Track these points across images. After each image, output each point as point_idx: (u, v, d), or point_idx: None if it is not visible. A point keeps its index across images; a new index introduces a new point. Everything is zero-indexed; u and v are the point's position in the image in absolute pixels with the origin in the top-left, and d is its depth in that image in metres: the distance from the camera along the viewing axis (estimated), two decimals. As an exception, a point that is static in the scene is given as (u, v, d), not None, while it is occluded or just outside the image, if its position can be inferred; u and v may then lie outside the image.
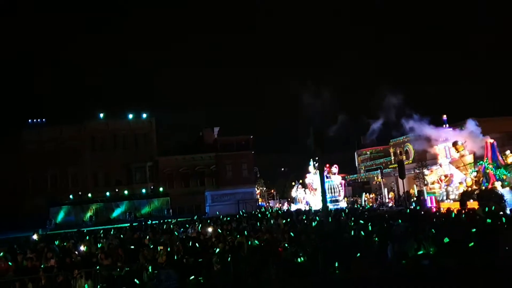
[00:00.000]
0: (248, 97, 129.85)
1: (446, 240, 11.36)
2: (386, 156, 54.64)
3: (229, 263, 11.60)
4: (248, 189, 49.73)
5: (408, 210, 20.93)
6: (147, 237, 17.16)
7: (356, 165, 62.21)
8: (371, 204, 39.50)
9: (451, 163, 27.10)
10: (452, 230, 12.99)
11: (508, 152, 23.81)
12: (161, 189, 47.86)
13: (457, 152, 26.44)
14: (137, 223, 28.49)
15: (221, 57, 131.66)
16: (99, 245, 15.88)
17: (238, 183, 50.86)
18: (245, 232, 15.79)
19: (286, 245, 12.71)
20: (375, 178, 51.25)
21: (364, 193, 43.42)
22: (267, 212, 32.35)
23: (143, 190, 47.47)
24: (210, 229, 17.97)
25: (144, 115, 54.02)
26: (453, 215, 16.49)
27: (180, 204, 47.21)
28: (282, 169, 77.40)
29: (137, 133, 53.16)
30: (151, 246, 13.78)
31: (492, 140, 23.99)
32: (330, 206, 35.72)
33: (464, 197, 23.10)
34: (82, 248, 15.17)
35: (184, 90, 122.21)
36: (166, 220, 30.10)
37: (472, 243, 11.32)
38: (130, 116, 53.55)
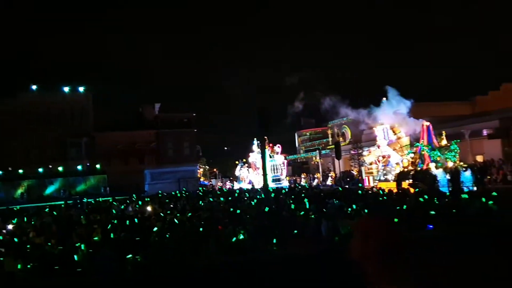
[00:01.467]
0: (192, 74, 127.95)
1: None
2: (325, 137, 56.21)
3: (168, 241, 11.55)
4: (190, 168, 49.39)
5: (340, 189, 21.75)
6: (82, 215, 16.67)
7: (296, 146, 63.53)
8: (310, 183, 40.68)
9: (389, 145, 28.22)
10: (383, 208, 13.70)
11: (443, 135, 25.12)
12: (98, 166, 46.31)
13: (394, 134, 27.64)
14: (72, 201, 27.56)
15: (165, 32, 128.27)
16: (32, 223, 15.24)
17: (180, 161, 50.31)
18: (185, 210, 15.76)
19: (227, 223, 12.86)
20: (314, 158, 52.70)
21: (317, 173, 44.31)
22: (208, 191, 32.41)
23: (79, 167, 45.74)
24: (149, 208, 17.75)
25: (81, 89, 51.67)
26: (384, 194, 17.33)
27: (118, 182, 45.99)
28: (225, 148, 77.54)
29: (73, 107, 50.86)
30: (84, 223, 13.41)
31: (428, 123, 25.14)
32: (273, 185, 36.36)
33: (400, 177, 24.22)
34: (10, 226, 14.49)
35: (124, 64, 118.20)
36: (102, 199, 29.33)
37: (397, 220, 12.00)
38: (66, 89, 51.03)
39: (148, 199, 25.18)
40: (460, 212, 13.13)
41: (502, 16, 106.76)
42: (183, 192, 32.73)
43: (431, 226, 12.41)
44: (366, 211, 13.20)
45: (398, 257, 2.26)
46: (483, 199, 14.11)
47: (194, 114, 55.34)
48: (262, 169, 18.14)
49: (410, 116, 28.28)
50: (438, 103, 44.75)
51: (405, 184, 22.86)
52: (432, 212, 12.74)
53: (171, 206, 19.28)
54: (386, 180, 26.07)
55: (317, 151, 51.04)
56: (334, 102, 35.24)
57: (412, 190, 20.53)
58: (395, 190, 20.80)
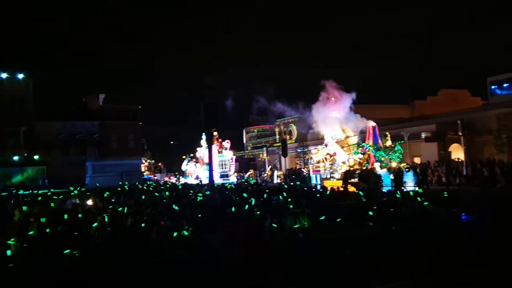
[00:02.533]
0: (140, 67, 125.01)
1: (322, 218, 12.26)
2: (272, 135, 56.81)
3: (109, 237, 11.26)
4: (134, 161, 48.29)
5: (286, 186, 22.05)
6: (17, 208, 15.85)
7: (244, 142, 63.77)
8: (257, 179, 40.98)
9: (337, 143, 28.66)
10: (325, 206, 14.06)
11: (388, 136, 25.98)
12: (36, 156, 44.19)
13: (344, 133, 28.23)
14: (7, 193, 26.18)
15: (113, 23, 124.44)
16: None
17: (123, 154, 49.04)
18: (128, 205, 15.41)
19: (170, 218, 12.71)
20: (261, 155, 53.15)
21: (268, 170, 44.43)
22: (153, 185, 31.85)
23: (16, 157, 43.46)
24: (90, 202, 17.20)
25: (21, 76, 49.02)
26: (328, 193, 17.79)
27: (58, 174, 44.13)
28: (172, 142, 76.46)
29: (12, 95, 48.16)
30: (17, 218, 12.78)
31: (374, 124, 25.88)
32: (221, 180, 36.31)
33: (346, 176, 24.81)
34: None
35: (67, 53, 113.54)
36: (41, 191, 28.03)
37: (340, 219, 12.40)
38: (4, 75, 48.24)
39: (89, 192, 24.35)
40: (397, 211, 13.73)
41: (437, 28, 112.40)
42: (126, 185, 31.98)
43: (370, 224, 12.89)
44: (308, 208, 13.48)
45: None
46: (419, 199, 14.85)
47: (140, 107, 54.17)
48: (208, 164, 18.02)
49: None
50: (381, 105, 46.43)
51: (339, 183, 23.45)
52: (370, 213, 13.21)
53: (113, 200, 18.78)
54: (333, 178, 26.60)
55: (264, 148, 51.61)
56: (279, 103, 35.60)
57: (354, 188, 21.19)
58: (341, 189, 21.34)
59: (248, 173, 44.88)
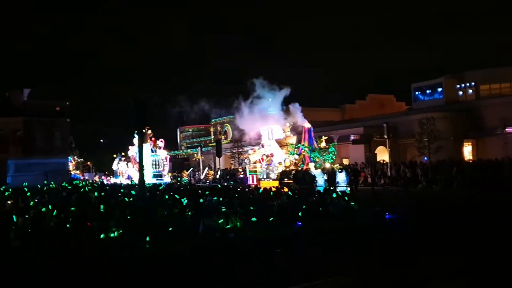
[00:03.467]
0: (69, 61, 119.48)
1: (254, 219, 12.41)
2: (207, 134, 56.58)
3: (31, 239, 10.68)
4: (61, 160, 46.03)
5: (219, 186, 22.05)
6: None
7: (178, 142, 62.95)
8: (190, 180, 40.59)
9: (277, 141, 28.81)
10: (257, 206, 14.24)
11: (322, 137, 26.68)
12: (-49, 154, 40.86)
13: (284, 133, 28.49)
14: None
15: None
16: None
17: (49, 152, 46.53)
18: (53, 205, 14.66)
19: (98, 219, 12.27)
20: (195, 155, 52.74)
21: (209, 170, 43.86)
22: (80, 185, 30.55)
23: None
24: (9, 202, 16.18)
25: None
26: (260, 192, 18.01)
27: (-24, 172, 41.10)
28: (102, 140, 73.72)
29: None
30: None
31: (309, 126, 26.50)
32: (154, 180, 35.47)
33: (282, 176, 25.18)
34: None
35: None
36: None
37: (272, 218, 12.62)
38: None
39: (10, 192, 22.87)
40: (325, 210, 14.20)
41: (368, 34, 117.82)
42: (52, 185, 30.42)
43: (300, 223, 13.23)
44: (239, 209, 13.58)
45: None
46: (346, 199, 15.45)
47: (68, 103, 51.69)
48: (138, 163, 17.58)
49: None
50: (313, 108, 47.62)
51: (276, 183, 23.81)
52: (300, 214, 13.54)
53: (36, 200, 17.78)
54: (269, 179, 26.83)
55: (199, 148, 51.24)
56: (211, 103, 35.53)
57: (286, 189, 21.60)
58: (273, 189, 21.60)
59: (183, 173, 44.40)
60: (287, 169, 25.83)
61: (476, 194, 21.61)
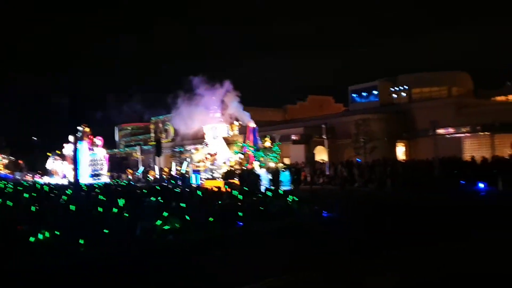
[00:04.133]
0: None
1: (187, 217, 12.29)
2: (147, 133, 55.37)
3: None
4: (-13, 159, 43.35)
5: (158, 187, 21.63)
6: None
7: (116, 140, 61.12)
8: (129, 180, 39.52)
9: (224, 138, 28.55)
10: (198, 206, 14.14)
11: (267, 137, 26.88)
12: None
13: (232, 131, 28.34)
14: None
15: None
16: None
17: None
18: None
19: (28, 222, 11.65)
20: (134, 154, 51.46)
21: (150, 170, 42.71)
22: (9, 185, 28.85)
23: None
24: None
25: None
26: (199, 193, 17.89)
27: None
28: (35, 138, 70.03)
29: None
30: None
31: (254, 125, 26.58)
32: (91, 180, 34.17)
33: (227, 175, 25.05)
34: None
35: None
36: None
37: (212, 219, 12.58)
38: None
39: None
40: (265, 210, 14.35)
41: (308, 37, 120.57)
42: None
43: (241, 223, 13.27)
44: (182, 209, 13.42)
45: None
46: (289, 198, 15.67)
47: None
48: (73, 162, 16.91)
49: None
50: (256, 108, 48.03)
51: (220, 183, 23.82)
52: (240, 214, 13.59)
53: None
54: (213, 178, 26.65)
55: (138, 147, 50.03)
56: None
57: (228, 188, 21.57)
58: (215, 189, 21.48)
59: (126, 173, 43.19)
60: (232, 168, 25.81)
61: (408, 193, 22.76)
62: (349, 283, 7.42)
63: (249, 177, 23.79)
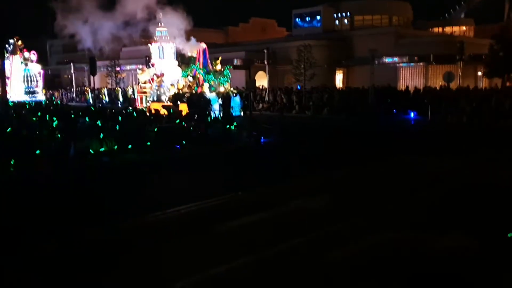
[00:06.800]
0: None
1: (130, 146, 12.13)
2: (81, 50, 52.22)
3: None
4: None
5: (92, 108, 20.77)
6: None
7: (48, 56, 57.41)
8: (62, 98, 37.78)
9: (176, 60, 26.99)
10: (135, 129, 13.92)
11: (219, 59, 25.68)
12: None
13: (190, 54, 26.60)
14: None
15: None
16: None
17: None
18: None
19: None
20: (67, 72, 48.79)
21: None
22: None
23: None
24: None
25: None
26: (135, 115, 17.55)
27: None
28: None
29: None
30: None
31: (204, 46, 25.19)
32: (27, 98, 31.99)
33: (174, 99, 24.08)
34: None
35: None
36: None
37: (150, 142, 12.53)
38: None
39: None
40: (205, 135, 14.46)
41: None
42: None
43: (178, 147, 13.33)
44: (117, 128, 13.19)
45: None
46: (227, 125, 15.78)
47: None
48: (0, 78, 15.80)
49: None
50: (196, 29, 46.32)
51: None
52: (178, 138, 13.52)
53: None
54: (160, 101, 25.47)
55: (71, 64, 47.33)
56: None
57: (166, 112, 21.11)
58: (153, 111, 20.86)
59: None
60: (180, 91, 24.76)
61: (343, 120, 23.69)
62: (278, 204, 7.80)
63: (198, 101, 23.17)
